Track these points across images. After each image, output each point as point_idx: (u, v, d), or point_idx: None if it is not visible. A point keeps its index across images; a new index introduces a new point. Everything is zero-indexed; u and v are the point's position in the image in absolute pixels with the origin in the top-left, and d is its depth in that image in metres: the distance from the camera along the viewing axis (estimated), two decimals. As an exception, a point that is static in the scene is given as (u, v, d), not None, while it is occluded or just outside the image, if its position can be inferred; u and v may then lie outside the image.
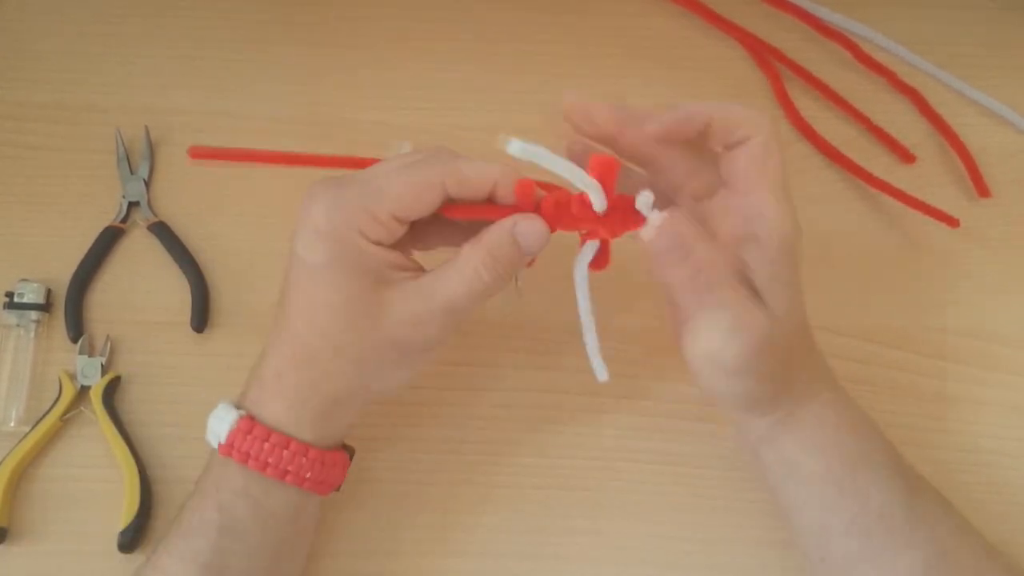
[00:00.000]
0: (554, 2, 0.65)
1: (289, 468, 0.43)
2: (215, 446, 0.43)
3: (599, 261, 0.46)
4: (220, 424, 0.43)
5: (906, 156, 0.61)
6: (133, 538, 0.49)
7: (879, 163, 0.61)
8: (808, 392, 0.46)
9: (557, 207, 0.43)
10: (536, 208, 0.43)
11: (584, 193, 0.43)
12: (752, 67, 0.64)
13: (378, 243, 0.42)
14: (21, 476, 0.51)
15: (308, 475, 0.43)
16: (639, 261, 0.45)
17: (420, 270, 0.44)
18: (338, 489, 0.47)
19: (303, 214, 0.42)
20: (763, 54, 0.64)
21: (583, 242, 0.45)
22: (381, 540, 0.51)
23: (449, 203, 0.43)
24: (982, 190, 0.60)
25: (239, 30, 0.62)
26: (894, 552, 0.43)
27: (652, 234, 0.42)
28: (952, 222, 0.58)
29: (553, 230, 0.43)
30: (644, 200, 0.43)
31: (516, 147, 0.40)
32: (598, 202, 0.43)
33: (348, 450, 0.47)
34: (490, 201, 0.43)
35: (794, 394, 0.45)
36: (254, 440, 0.42)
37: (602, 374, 0.46)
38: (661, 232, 0.42)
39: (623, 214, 0.43)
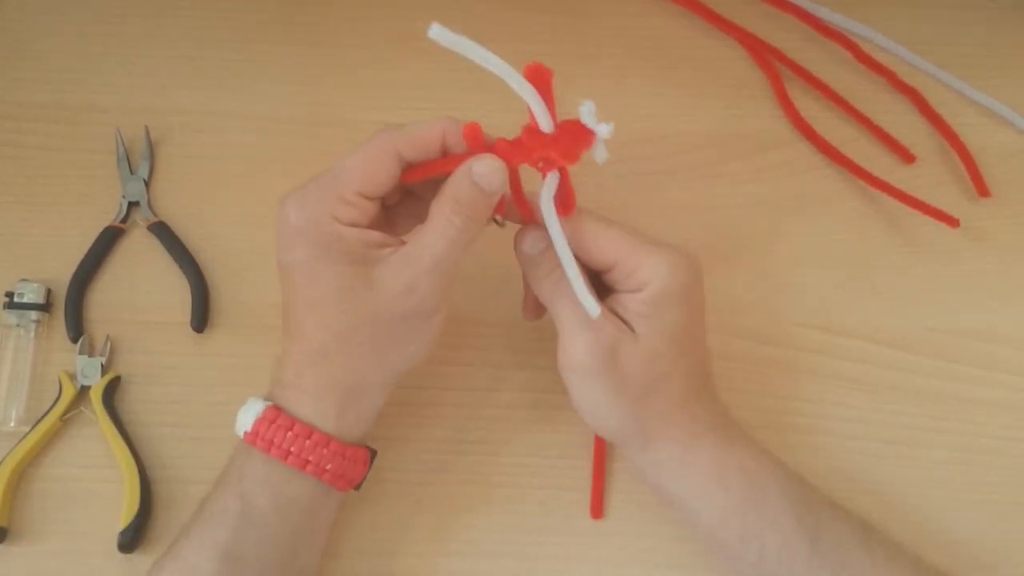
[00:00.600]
0: (554, 2, 0.65)
1: (310, 458, 0.44)
2: (240, 435, 0.44)
3: (565, 202, 0.45)
4: (247, 414, 0.44)
5: (906, 156, 0.61)
6: (133, 538, 0.49)
7: (879, 163, 0.61)
8: (694, 436, 0.46)
9: (509, 143, 0.43)
10: (489, 149, 0.44)
11: (530, 123, 0.43)
12: (752, 67, 0.64)
13: (353, 224, 0.43)
14: (21, 476, 0.51)
15: (328, 467, 0.44)
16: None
17: (400, 243, 0.45)
18: (358, 488, 0.47)
19: (278, 224, 0.44)
20: (763, 54, 0.64)
21: (544, 176, 0.44)
22: (381, 540, 0.51)
23: (407, 168, 0.44)
24: (982, 190, 0.60)
25: (239, 30, 0.62)
26: None
27: (604, 153, 0.43)
28: (952, 222, 0.58)
29: (511, 167, 0.44)
30: (588, 110, 0.42)
31: (437, 31, 0.39)
32: (538, 109, 0.42)
33: (370, 451, 0.48)
34: (445, 155, 0.44)
35: (676, 437, 0.46)
36: (278, 429, 0.43)
37: (594, 310, 0.44)
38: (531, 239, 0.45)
39: (572, 134, 0.43)
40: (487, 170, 0.43)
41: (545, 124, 0.43)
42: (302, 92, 0.61)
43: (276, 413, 0.44)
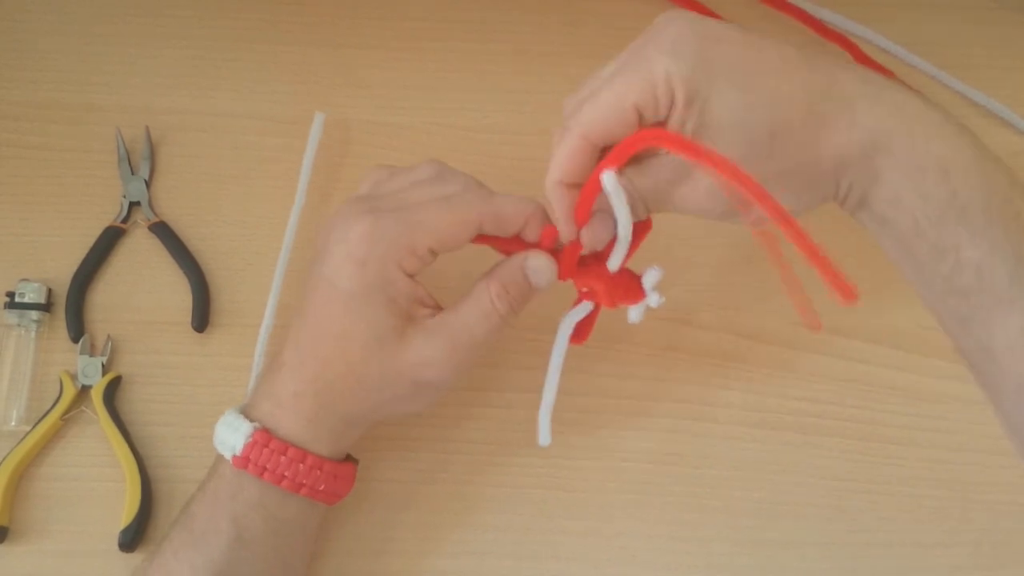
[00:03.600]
0: (554, 3, 0.65)
1: (304, 481, 0.43)
2: (228, 457, 0.44)
3: (581, 331, 0.46)
4: (234, 435, 0.43)
5: (906, 156, 0.61)
6: (134, 537, 0.49)
7: (879, 163, 0.61)
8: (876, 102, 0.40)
9: (572, 257, 0.44)
10: (555, 254, 0.45)
11: (601, 251, 0.44)
12: (752, 67, 0.64)
13: (412, 275, 0.43)
14: (22, 476, 0.51)
15: (322, 487, 0.44)
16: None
17: (438, 308, 0.45)
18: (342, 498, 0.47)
19: (338, 237, 0.43)
20: (763, 54, 0.64)
21: (578, 300, 0.46)
22: (381, 540, 0.51)
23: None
24: (982, 190, 0.60)
25: (239, 30, 0.62)
26: (1000, 313, 0.39)
27: (640, 317, 0.44)
28: (952, 222, 0.58)
29: (561, 276, 0.44)
30: (652, 277, 0.44)
31: (609, 182, 0.39)
32: (621, 250, 0.43)
33: (352, 459, 0.48)
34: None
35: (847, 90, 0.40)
36: (271, 453, 0.43)
37: (545, 438, 0.47)
38: None
39: (626, 285, 0.44)
40: (540, 267, 0.44)
41: (615, 264, 0.44)
42: (302, 92, 0.61)
43: (267, 437, 0.43)
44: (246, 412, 0.45)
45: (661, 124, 0.40)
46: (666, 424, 0.54)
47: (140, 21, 0.62)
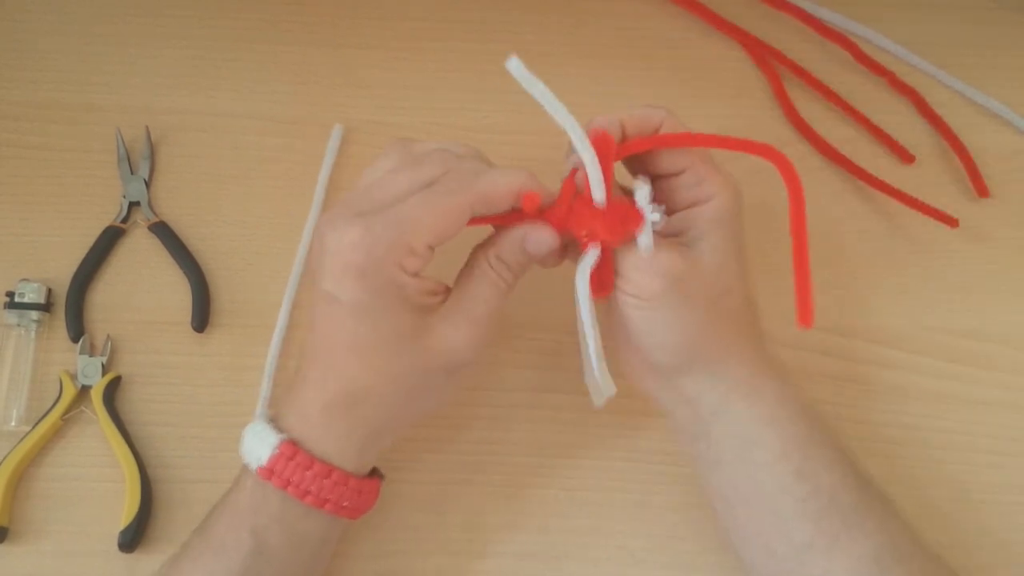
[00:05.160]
0: (554, 3, 0.65)
1: (329, 497, 0.43)
2: (253, 467, 0.43)
3: (602, 283, 0.44)
4: (261, 446, 0.43)
5: (905, 156, 0.61)
6: (133, 538, 0.49)
7: (879, 163, 0.61)
8: (762, 368, 0.46)
9: (561, 212, 0.43)
10: (543, 215, 0.44)
11: (583, 192, 0.43)
12: (752, 68, 0.64)
13: (415, 274, 0.42)
14: (22, 476, 0.51)
15: (346, 504, 0.44)
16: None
17: (446, 291, 0.44)
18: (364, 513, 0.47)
19: (332, 255, 0.42)
20: (763, 55, 0.64)
21: (584, 248, 0.44)
22: (381, 540, 0.51)
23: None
24: (981, 190, 0.60)
25: (239, 30, 0.62)
26: (847, 539, 0.42)
27: (650, 242, 0.42)
28: (951, 222, 0.58)
29: (558, 230, 0.44)
30: (642, 192, 0.43)
31: (516, 67, 0.39)
32: (594, 176, 0.42)
33: (377, 473, 0.48)
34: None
35: (742, 359, 0.45)
36: (296, 467, 0.42)
37: (599, 399, 0.45)
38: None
39: (621, 212, 0.43)
40: (541, 240, 0.44)
41: (598, 195, 0.42)
42: (302, 92, 0.61)
43: (293, 450, 0.42)
44: (275, 423, 0.44)
45: None
46: (666, 424, 0.54)
47: (140, 21, 0.62)
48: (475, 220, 0.44)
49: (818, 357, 0.56)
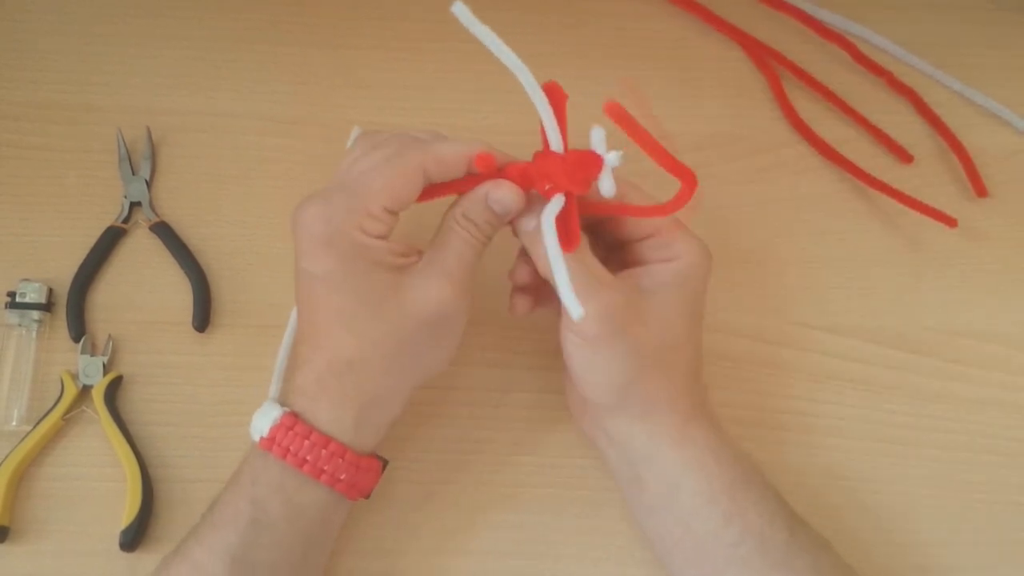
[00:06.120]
0: (554, 3, 0.65)
1: (325, 468, 0.44)
2: (255, 439, 0.44)
3: (569, 235, 0.44)
4: (263, 419, 0.44)
5: (904, 156, 0.61)
6: (135, 537, 0.49)
7: (877, 163, 0.61)
8: (695, 416, 0.47)
9: (519, 168, 0.44)
10: (500, 173, 0.45)
11: (544, 148, 0.43)
12: (751, 68, 0.64)
13: (379, 237, 0.44)
14: (23, 475, 0.51)
15: (343, 477, 0.44)
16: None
17: (419, 255, 0.46)
18: (367, 497, 0.47)
19: (299, 231, 0.44)
20: (762, 55, 0.64)
21: (548, 197, 0.44)
22: (381, 539, 0.51)
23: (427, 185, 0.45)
24: (980, 190, 0.60)
25: (239, 30, 0.62)
26: None
27: (611, 185, 0.43)
28: (950, 222, 0.58)
29: (522, 186, 0.45)
30: (597, 136, 0.43)
31: (459, 8, 0.39)
32: (548, 123, 0.42)
33: (382, 461, 0.48)
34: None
35: (675, 407, 0.47)
36: (295, 436, 0.43)
37: (577, 311, 0.43)
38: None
39: (580, 158, 0.43)
40: (503, 197, 0.45)
41: (555, 142, 0.43)
42: (302, 92, 0.61)
43: (293, 420, 0.44)
44: (280, 401, 0.46)
45: None
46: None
47: (140, 21, 0.62)
48: (435, 188, 0.45)
49: (816, 357, 0.56)
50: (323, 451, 0.44)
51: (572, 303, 0.40)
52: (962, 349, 0.57)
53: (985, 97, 0.63)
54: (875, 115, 0.62)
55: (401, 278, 0.45)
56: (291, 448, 0.43)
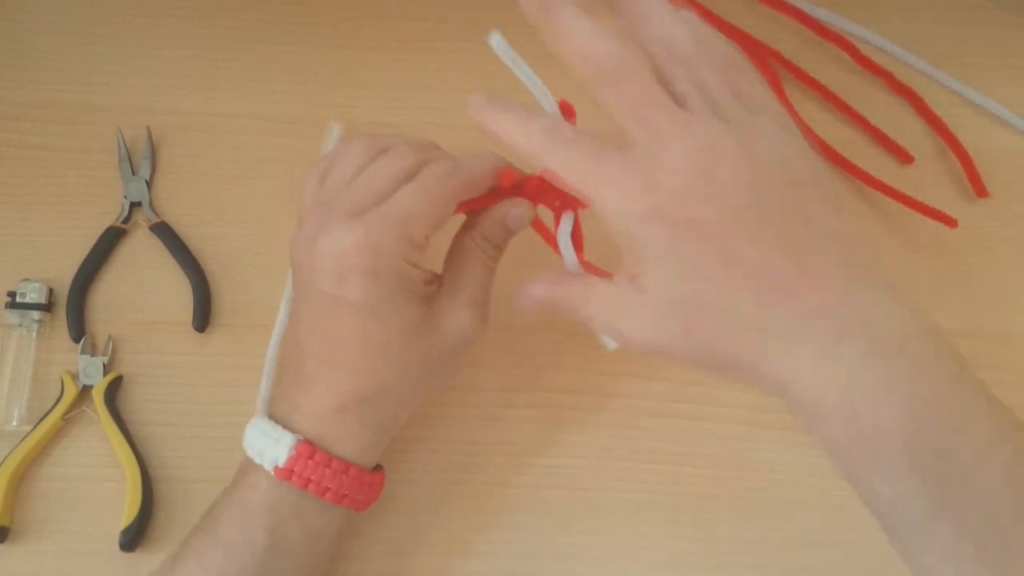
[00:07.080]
0: (554, 3, 0.65)
1: (347, 493, 0.44)
2: (268, 468, 0.43)
3: (582, 245, 0.46)
4: (276, 447, 0.43)
5: (904, 157, 0.61)
6: (134, 537, 0.49)
7: (877, 164, 0.61)
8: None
9: (538, 182, 0.45)
10: (519, 188, 0.46)
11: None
12: (751, 68, 0.64)
13: (417, 265, 0.44)
14: (23, 476, 0.51)
15: (360, 497, 0.45)
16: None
17: (438, 277, 0.46)
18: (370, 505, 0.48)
19: (328, 253, 0.42)
20: (761, 55, 0.64)
21: (558, 216, 0.46)
22: (383, 540, 0.51)
23: None
24: (980, 190, 0.60)
25: (239, 30, 0.62)
26: (918, 540, 0.36)
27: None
28: (950, 222, 0.58)
29: (535, 201, 0.46)
30: None
31: (498, 44, 0.41)
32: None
33: (379, 467, 0.48)
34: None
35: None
36: (316, 466, 0.43)
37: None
38: None
39: None
40: (523, 215, 0.46)
41: None
42: (302, 92, 0.61)
43: (312, 449, 0.43)
44: (283, 423, 0.44)
45: None
46: (666, 424, 0.54)
47: (140, 21, 0.62)
48: (461, 205, 0.46)
49: (817, 357, 0.56)
50: (344, 477, 0.43)
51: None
52: (963, 349, 0.56)
53: (985, 97, 0.63)
54: (875, 115, 0.62)
55: (431, 307, 0.45)
56: (312, 478, 0.43)
